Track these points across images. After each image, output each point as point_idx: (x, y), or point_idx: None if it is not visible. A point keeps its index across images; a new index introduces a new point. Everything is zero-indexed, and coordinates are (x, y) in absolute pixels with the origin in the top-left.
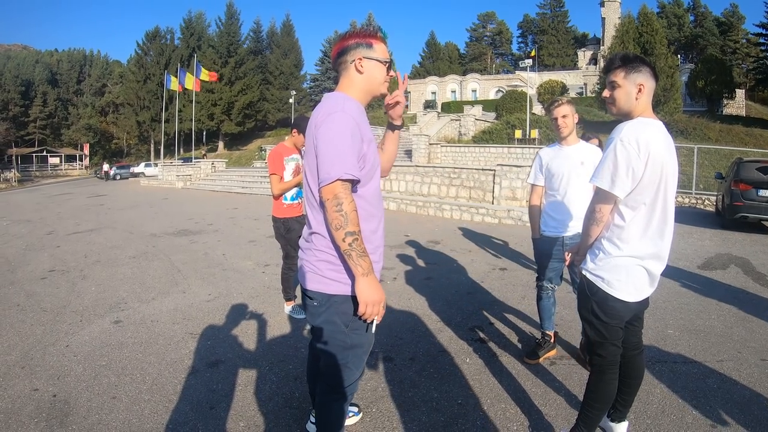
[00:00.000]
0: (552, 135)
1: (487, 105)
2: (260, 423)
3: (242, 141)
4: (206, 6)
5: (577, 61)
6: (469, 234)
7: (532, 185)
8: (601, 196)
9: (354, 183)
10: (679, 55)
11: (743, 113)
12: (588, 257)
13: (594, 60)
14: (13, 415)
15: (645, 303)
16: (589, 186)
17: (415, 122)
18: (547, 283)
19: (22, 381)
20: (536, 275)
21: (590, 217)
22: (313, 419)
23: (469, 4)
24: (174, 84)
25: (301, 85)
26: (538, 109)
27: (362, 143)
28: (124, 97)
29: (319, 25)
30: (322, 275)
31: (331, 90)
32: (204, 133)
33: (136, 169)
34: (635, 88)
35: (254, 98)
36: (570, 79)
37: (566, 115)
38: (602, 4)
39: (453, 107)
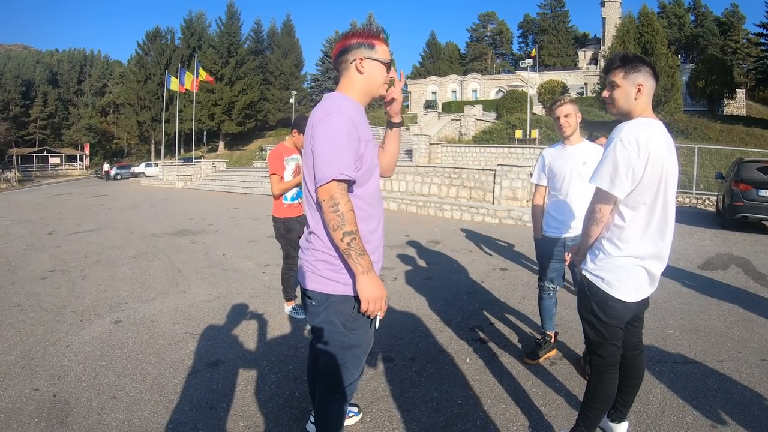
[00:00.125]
0: (553, 135)
1: (488, 105)
2: (260, 423)
3: (243, 141)
4: (207, 6)
5: (578, 61)
6: (469, 234)
7: (535, 185)
8: (600, 197)
9: (350, 183)
10: (679, 55)
11: (744, 113)
12: (588, 257)
13: (594, 60)
14: (13, 415)
15: (645, 303)
16: (591, 186)
17: (416, 122)
18: (549, 284)
19: (22, 381)
20: (538, 276)
21: (590, 218)
22: (313, 419)
23: (470, 4)
24: (174, 84)
25: (302, 85)
26: (538, 109)
27: (359, 143)
28: (125, 97)
29: (320, 25)
30: (321, 275)
31: (331, 90)
32: (204, 133)
33: (136, 169)
34: (634, 88)
35: (255, 98)
36: (570, 79)
37: (568, 114)
38: (603, 4)
39: (453, 107)
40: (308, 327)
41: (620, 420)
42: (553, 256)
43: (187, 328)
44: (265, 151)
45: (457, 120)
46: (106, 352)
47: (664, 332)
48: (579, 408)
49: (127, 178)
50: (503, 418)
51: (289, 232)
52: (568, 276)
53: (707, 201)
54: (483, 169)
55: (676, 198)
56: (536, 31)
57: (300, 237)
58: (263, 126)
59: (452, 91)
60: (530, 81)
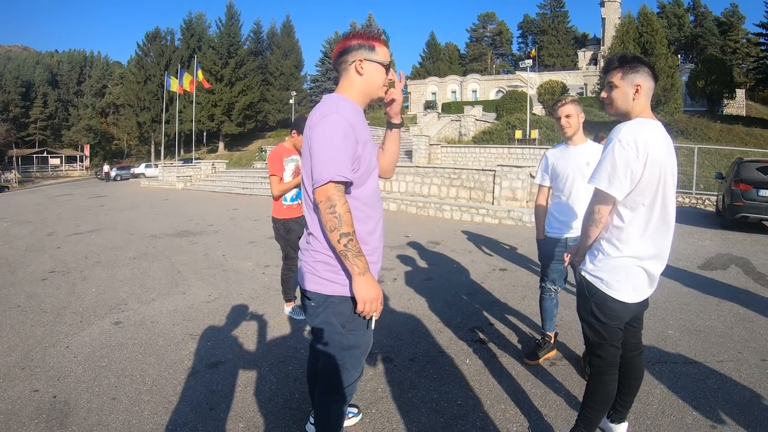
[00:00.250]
0: (552, 135)
1: (488, 105)
2: (260, 424)
3: (242, 142)
4: (206, 7)
5: (578, 62)
6: (469, 235)
7: (539, 186)
8: (599, 197)
9: (348, 185)
10: (679, 55)
11: (743, 113)
12: (587, 258)
13: (594, 60)
14: (13, 416)
15: (644, 304)
16: (593, 187)
17: (416, 123)
18: (550, 285)
19: (22, 382)
20: (539, 276)
21: (589, 218)
22: (312, 420)
23: (469, 5)
24: (174, 85)
25: (302, 85)
26: (538, 109)
27: (356, 145)
28: (125, 98)
29: (320, 25)
30: (319, 276)
31: (331, 91)
32: (204, 134)
33: (136, 170)
34: (632, 89)
35: (254, 99)
36: (570, 79)
37: (570, 114)
38: (602, 5)
39: (453, 108)
40: (308, 328)
41: (620, 420)
42: (555, 256)
43: (187, 329)
44: (265, 152)
45: (456, 120)
46: (105, 353)
47: (663, 332)
48: (579, 409)
49: (127, 179)
50: (503, 419)
51: (288, 233)
52: (571, 278)
53: (707, 201)
54: (483, 170)
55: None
56: (536, 32)
57: (299, 238)
58: (263, 127)
59: (452, 92)
60: (530, 81)
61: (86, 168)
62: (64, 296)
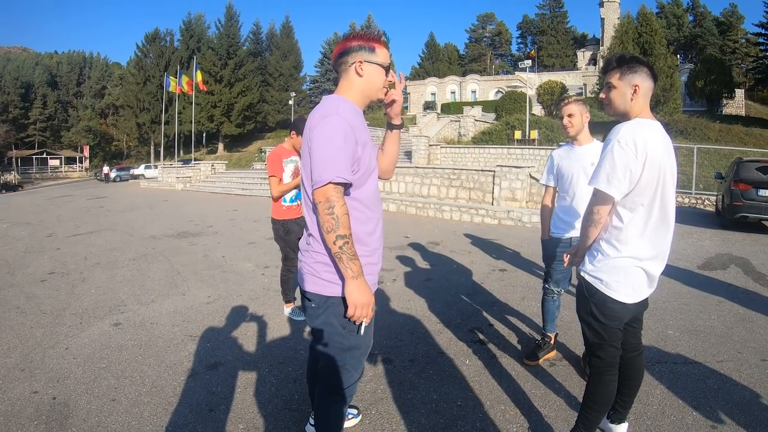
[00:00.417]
0: (552, 135)
1: (487, 106)
2: (260, 425)
3: (242, 143)
4: (206, 8)
5: (577, 62)
6: (468, 235)
7: (545, 186)
8: (598, 198)
9: (347, 186)
10: (678, 55)
11: (743, 113)
12: (586, 259)
13: (593, 60)
14: (12, 418)
15: (644, 304)
16: None
17: (415, 123)
18: (554, 287)
19: (21, 383)
20: (543, 278)
21: (588, 219)
22: (312, 421)
23: (468, 5)
24: (173, 86)
25: (301, 86)
26: (537, 109)
27: (356, 146)
28: (124, 99)
29: (319, 26)
30: (319, 277)
31: (330, 91)
32: (204, 135)
33: (136, 171)
34: (630, 89)
35: (254, 100)
36: (569, 79)
37: (572, 114)
38: (601, 5)
39: (452, 108)
40: (308, 329)
41: (620, 421)
42: (559, 257)
43: (187, 330)
44: (265, 153)
45: (456, 121)
46: (105, 355)
47: (663, 333)
48: (578, 409)
49: (127, 180)
50: (503, 420)
51: (287, 234)
52: (574, 280)
53: (706, 201)
54: (482, 170)
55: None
56: (535, 32)
57: (299, 239)
58: (262, 127)
59: (451, 92)
60: (529, 82)
61: (86, 169)
62: (64, 297)
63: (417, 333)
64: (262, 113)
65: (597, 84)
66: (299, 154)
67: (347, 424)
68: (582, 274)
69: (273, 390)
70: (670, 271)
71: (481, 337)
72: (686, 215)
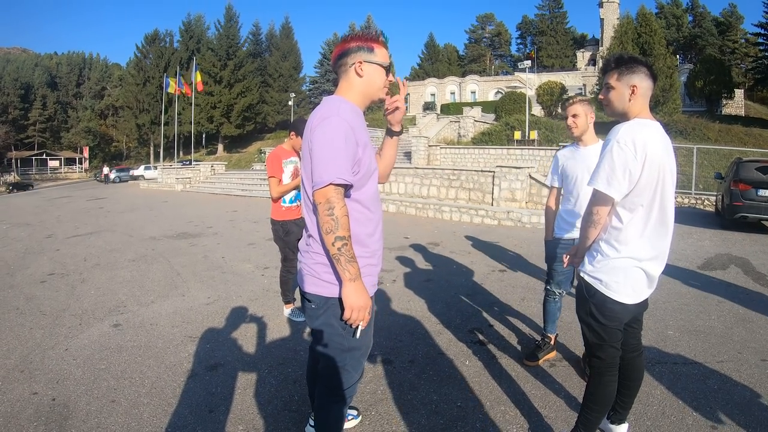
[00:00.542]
0: (552, 136)
1: (487, 106)
2: (259, 426)
3: (242, 143)
4: (205, 9)
5: (576, 62)
6: (468, 236)
7: (550, 187)
8: (598, 199)
9: (347, 187)
10: (677, 56)
11: (742, 113)
12: (586, 259)
13: (593, 61)
14: (12, 419)
15: (644, 304)
16: None
17: (415, 124)
18: (555, 288)
19: (21, 385)
20: (545, 279)
21: (588, 220)
22: (312, 422)
23: (468, 6)
24: (173, 87)
25: (301, 87)
26: (537, 110)
27: (357, 147)
28: (124, 100)
29: (318, 27)
30: (320, 278)
31: (330, 92)
32: (204, 136)
33: (135, 172)
34: (628, 90)
35: (253, 101)
36: (569, 80)
37: (577, 114)
38: (601, 5)
39: (452, 109)
40: (307, 330)
41: (620, 422)
42: (560, 258)
43: (186, 332)
44: (264, 154)
45: (455, 121)
46: (105, 356)
47: (663, 333)
48: (579, 410)
49: (126, 181)
50: (503, 420)
51: (287, 235)
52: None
53: (706, 201)
54: (482, 171)
55: (676, 198)
56: (535, 33)
57: (298, 240)
58: (262, 128)
59: (451, 93)
60: (529, 82)
61: (85, 170)
62: (63, 298)
63: (417, 334)
64: (261, 114)
65: (596, 84)
66: (299, 155)
67: (347, 425)
68: (581, 274)
69: (273, 391)
70: (670, 271)
71: (481, 337)
72: (686, 215)
